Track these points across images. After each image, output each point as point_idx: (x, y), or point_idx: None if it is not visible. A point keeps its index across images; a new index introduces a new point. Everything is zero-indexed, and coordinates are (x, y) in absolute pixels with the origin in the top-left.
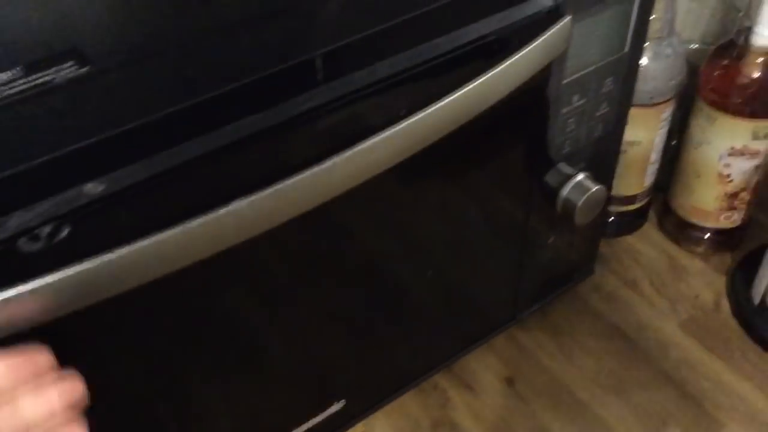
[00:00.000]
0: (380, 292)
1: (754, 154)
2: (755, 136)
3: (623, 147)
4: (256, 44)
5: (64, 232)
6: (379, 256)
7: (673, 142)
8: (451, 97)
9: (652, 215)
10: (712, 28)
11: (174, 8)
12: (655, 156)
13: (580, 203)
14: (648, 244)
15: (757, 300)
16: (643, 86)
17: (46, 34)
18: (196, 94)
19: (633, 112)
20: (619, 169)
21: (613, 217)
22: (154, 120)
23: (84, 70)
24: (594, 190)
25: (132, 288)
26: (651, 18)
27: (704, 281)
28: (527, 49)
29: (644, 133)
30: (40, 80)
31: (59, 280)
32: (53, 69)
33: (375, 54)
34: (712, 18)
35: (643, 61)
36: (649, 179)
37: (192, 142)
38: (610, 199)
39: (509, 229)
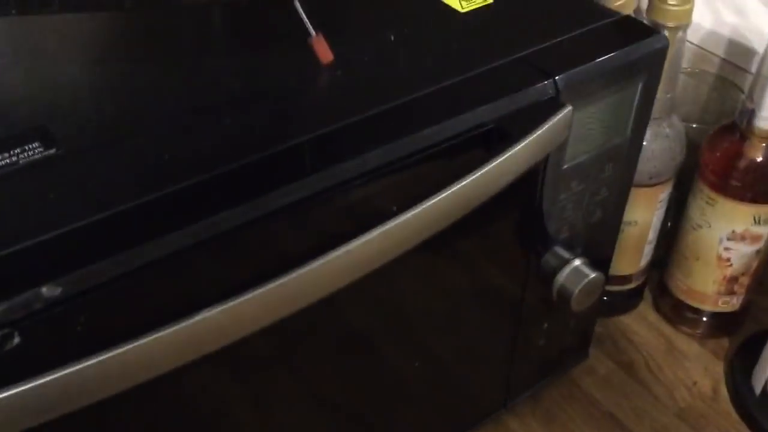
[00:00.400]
0: (368, 380)
1: (755, 238)
2: (757, 221)
3: (621, 227)
4: (237, 128)
5: (14, 342)
6: (368, 342)
7: (669, 224)
8: (447, 193)
9: (647, 294)
10: (713, 106)
11: (152, 86)
12: (652, 236)
13: (576, 290)
14: (643, 324)
15: (758, 390)
16: (642, 166)
17: (13, 110)
18: (169, 184)
19: (631, 192)
20: (616, 248)
21: (606, 297)
22: (123, 212)
23: (51, 152)
24: (591, 277)
25: (93, 402)
26: None
27: (702, 366)
28: (527, 141)
29: (641, 213)
30: (2, 162)
31: (4, 397)
32: (18, 149)
33: (366, 142)
34: (711, 95)
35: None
36: (645, 259)
37: (161, 239)
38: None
39: (503, 315)
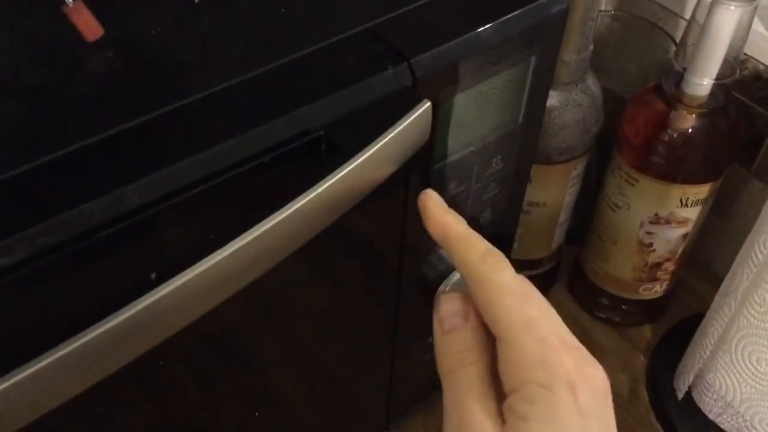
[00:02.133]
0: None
1: (681, 222)
2: (684, 203)
3: (525, 208)
4: None
5: None
6: (234, 367)
7: (585, 195)
8: (259, 231)
9: (563, 272)
10: (640, 60)
11: None
12: (564, 216)
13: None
14: (556, 310)
15: (680, 393)
16: (550, 141)
17: None
18: None
19: (537, 170)
20: (521, 230)
21: None
22: None
23: None
24: None
25: None
26: (558, 61)
27: (620, 362)
28: (371, 151)
29: (551, 193)
30: None
31: None
32: None
33: (134, 164)
34: (638, 45)
35: (551, 110)
36: (556, 242)
37: None
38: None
39: (377, 334)
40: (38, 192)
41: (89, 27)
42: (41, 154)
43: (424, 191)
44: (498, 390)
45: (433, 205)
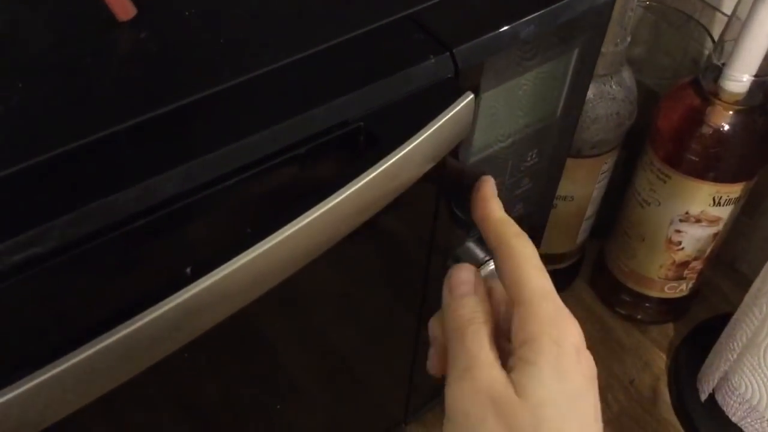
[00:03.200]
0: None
1: (713, 221)
2: (716, 202)
3: (553, 202)
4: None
5: None
6: (257, 359)
7: (613, 190)
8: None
9: (585, 266)
10: (674, 52)
11: None
12: (591, 211)
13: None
14: (577, 306)
15: (704, 395)
16: (582, 134)
17: None
18: None
19: (567, 163)
20: (547, 224)
21: None
22: None
23: None
24: None
25: None
26: None
27: (642, 361)
28: (411, 146)
29: (580, 187)
30: None
31: None
32: None
33: (165, 156)
34: (673, 38)
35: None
36: (582, 236)
37: None
38: None
39: (403, 328)
40: (68, 179)
41: (122, 6)
42: (71, 139)
43: (487, 177)
44: (502, 356)
45: (489, 189)
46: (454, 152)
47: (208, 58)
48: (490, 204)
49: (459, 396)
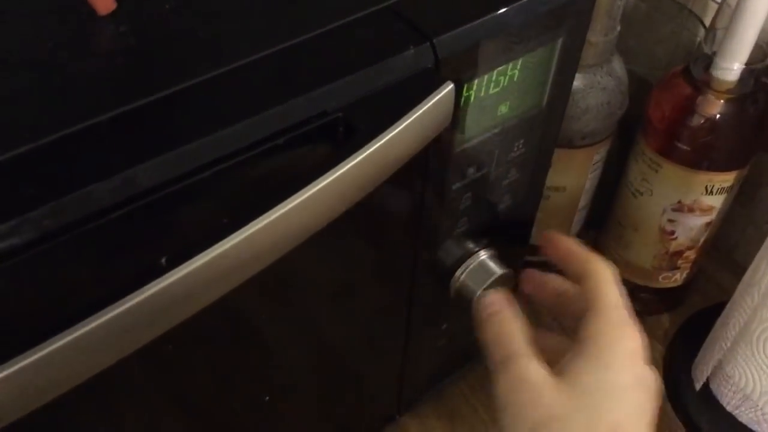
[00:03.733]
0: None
1: (706, 210)
2: (709, 191)
3: (545, 193)
4: None
5: None
6: (242, 353)
7: (606, 181)
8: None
9: None
10: (667, 42)
11: None
12: (584, 202)
13: (480, 290)
14: None
15: (698, 384)
16: (573, 125)
17: None
18: None
19: (558, 154)
20: (540, 215)
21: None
22: None
23: None
24: (499, 275)
25: None
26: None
27: None
28: (390, 135)
29: (572, 178)
30: None
31: None
32: None
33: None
34: (666, 27)
35: (574, 92)
36: (576, 227)
37: None
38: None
39: (390, 321)
40: (45, 171)
41: (101, 1)
42: (49, 131)
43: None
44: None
45: (558, 237)
46: (437, 141)
47: (186, 50)
48: (567, 240)
49: (503, 386)
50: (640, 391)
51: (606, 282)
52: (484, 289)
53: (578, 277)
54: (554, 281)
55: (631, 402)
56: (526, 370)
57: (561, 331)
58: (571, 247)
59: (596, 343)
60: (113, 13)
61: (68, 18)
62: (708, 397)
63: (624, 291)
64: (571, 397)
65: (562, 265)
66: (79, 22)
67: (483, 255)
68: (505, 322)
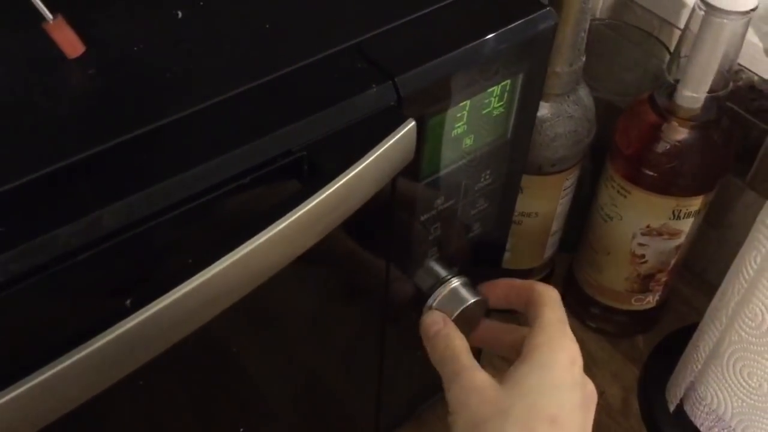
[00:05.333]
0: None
1: (674, 234)
2: (676, 216)
3: (517, 218)
4: None
5: None
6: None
7: (579, 202)
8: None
9: (555, 282)
10: (635, 68)
11: None
12: (556, 226)
13: (452, 319)
14: None
15: (672, 406)
16: (542, 152)
17: None
18: None
19: (529, 180)
20: (513, 240)
21: None
22: None
23: None
24: (471, 302)
25: None
26: (550, 73)
27: (611, 372)
28: (352, 173)
29: (544, 204)
30: None
31: None
32: None
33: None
34: (632, 54)
35: (542, 121)
36: (549, 251)
37: None
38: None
39: (364, 350)
40: (11, 215)
41: (70, 44)
42: (16, 175)
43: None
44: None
45: (494, 281)
46: (403, 174)
47: (154, 92)
48: (504, 279)
49: (455, 394)
50: (576, 393)
51: (549, 300)
52: (456, 317)
53: (524, 303)
54: (484, 323)
55: (567, 400)
56: (473, 379)
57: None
58: (511, 282)
59: (539, 351)
60: (82, 56)
61: (37, 61)
62: (682, 419)
63: (564, 311)
64: (513, 395)
65: (508, 301)
66: (48, 65)
67: (455, 282)
68: (449, 339)
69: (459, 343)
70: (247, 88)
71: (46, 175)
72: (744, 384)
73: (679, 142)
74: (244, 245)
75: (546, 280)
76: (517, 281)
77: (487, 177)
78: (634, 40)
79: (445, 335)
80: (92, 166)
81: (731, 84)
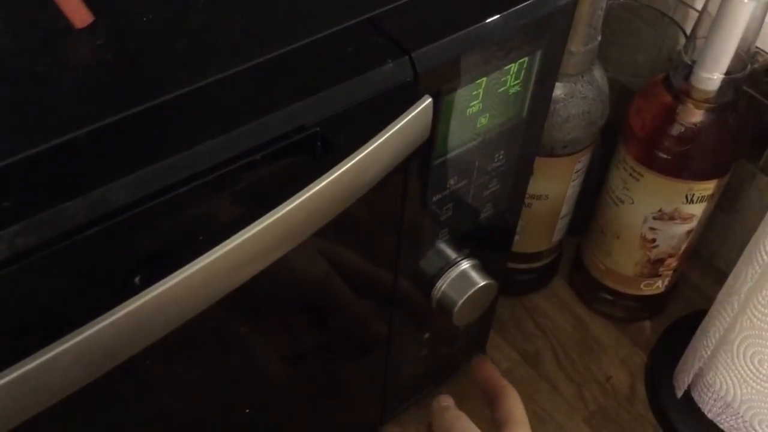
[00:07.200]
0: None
1: (686, 219)
2: (689, 200)
3: (527, 201)
4: None
5: None
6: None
7: (589, 186)
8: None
9: (563, 266)
10: (649, 49)
11: None
12: (566, 210)
13: (461, 302)
14: (555, 304)
15: (679, 392)
16: (554, 134)
17: None
18: None
19: (540, 162)
20: (522, 223)
21: (513, 276)
22: None
23: None
24: (480, 285)
25: None
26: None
27: (619, 358)
28: (367, 150)
29: (554, 186)
30: None
31: None
32: None
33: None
34: (647, 35)
35: (555, 102)
36: (558, 235)
37: None
38: (505, 272)
39: (371, 331)
40: (18, 188)
41: (78, 13)
42: (23, 147)
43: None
44: None
45: (484, 364)
46: (417, 153)
47: (164, 64)
48: (491, 367)
49: None
50: None
51: (516, 402)
52: (465, 300)
53: (494, 395)
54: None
55: None
56: None
57: None
58: (493, 372)
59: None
60: (90, 26)
61: (44, 31)
62: (690, 405)
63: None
64: None
65: (482, 383)
66: (56, 36)
67: (464, 265)
68: (455, 418)
69: (465, 422)
70: (259, 62)
71: (53, 148)
72: (754, 370)
73: (694, 124)
74: (255, 223)
75: (554, 263)
76: (497, 374)
77: (501, 157)
78: (649, 21)
79: (452, 414)
80: (101, 139)
81: (749, 67)
